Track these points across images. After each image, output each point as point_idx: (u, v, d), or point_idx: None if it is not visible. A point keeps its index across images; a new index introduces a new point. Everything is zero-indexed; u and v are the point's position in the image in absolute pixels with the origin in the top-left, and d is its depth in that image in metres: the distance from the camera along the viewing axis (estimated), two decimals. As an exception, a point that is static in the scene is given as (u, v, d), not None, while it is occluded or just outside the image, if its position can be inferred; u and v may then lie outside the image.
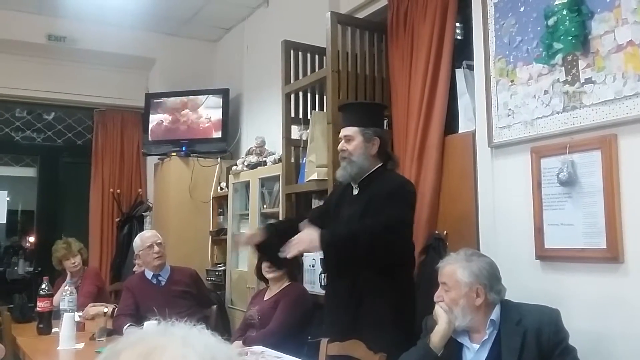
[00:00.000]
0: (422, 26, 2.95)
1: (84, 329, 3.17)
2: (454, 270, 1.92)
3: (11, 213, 6.22)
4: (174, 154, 4.97)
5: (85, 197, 5.57)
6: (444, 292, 1.93)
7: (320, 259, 2.80)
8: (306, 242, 2.25)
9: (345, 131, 2.50)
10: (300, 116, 3.65)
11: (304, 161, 3.46)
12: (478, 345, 1.90)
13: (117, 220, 5.51)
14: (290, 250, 2.26)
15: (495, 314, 1.90)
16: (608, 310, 2.04)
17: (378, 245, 2.22)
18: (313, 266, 3.26)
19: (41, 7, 4.81)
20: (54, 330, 3.14)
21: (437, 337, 1.87)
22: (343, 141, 2.50)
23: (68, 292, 3.22)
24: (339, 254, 2.26)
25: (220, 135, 5.01)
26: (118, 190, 5.57)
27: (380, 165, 2.50)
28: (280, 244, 2.35)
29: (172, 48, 5.49)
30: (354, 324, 2.36)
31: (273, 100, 4.19)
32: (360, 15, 3.53)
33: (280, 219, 3.72)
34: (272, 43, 4.07)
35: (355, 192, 2.52)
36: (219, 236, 4.86)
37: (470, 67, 2.78)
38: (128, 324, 3.02)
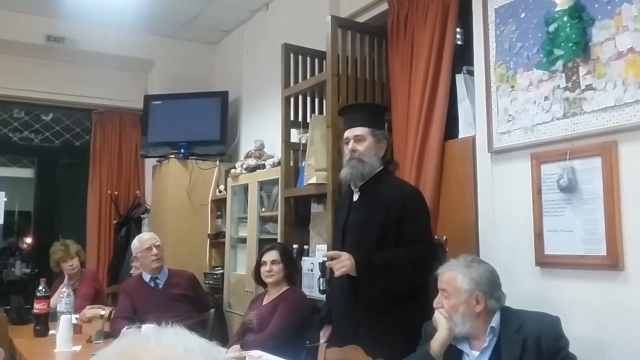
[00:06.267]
0: (423, 31, 2.95)
1: (81, 332, 3.16)
2: (454, 276, 1.91)
3: (8, 214, 6.17)
4: (173, 156, 4.96)
5: (83, 199, 5.55)
6: (444, 298, 1.92)
7: (319, 263, 2.79)
8: (349, 267, 2.26)
9: (356, 131, 2.45)
10: (300, 119, 3.65)
11: (303, 165, 3.45)
12: (478, 352, 1.90)
13: (114, 222, 5.49)
14: (336, 269, 2.29)
15: (495, 321, 1.89)
16: (608, 317, 2.04)
17: (417, 271, 2.26)
18: (311, 270, 3.25)
19: (40, 7, 4.79)
20: (50, 332, 3.13)
21: (437, 343, 1.86)
22: (352, 141, 2.44)
23: (65, 294, 3.21)
24: (375, 283, 2.26)
25: (219, 138, 5.00)
26: (116, 192, 5.55)
27: (382, 168, 2.48)
28: None
29: (172, 50, 5.48)
30: (354, 329, 2.35)
31: (272, 104, 4.18)
32: (361, 19, 3.53)
33: (279, 223, 3.72)
34: (272, 46, 4.07)
35: (356, 197, 2.49)
36: (217, 239, 4.85)
37: (471, 73, 2.78)
38: (125, 327, 3.00)
